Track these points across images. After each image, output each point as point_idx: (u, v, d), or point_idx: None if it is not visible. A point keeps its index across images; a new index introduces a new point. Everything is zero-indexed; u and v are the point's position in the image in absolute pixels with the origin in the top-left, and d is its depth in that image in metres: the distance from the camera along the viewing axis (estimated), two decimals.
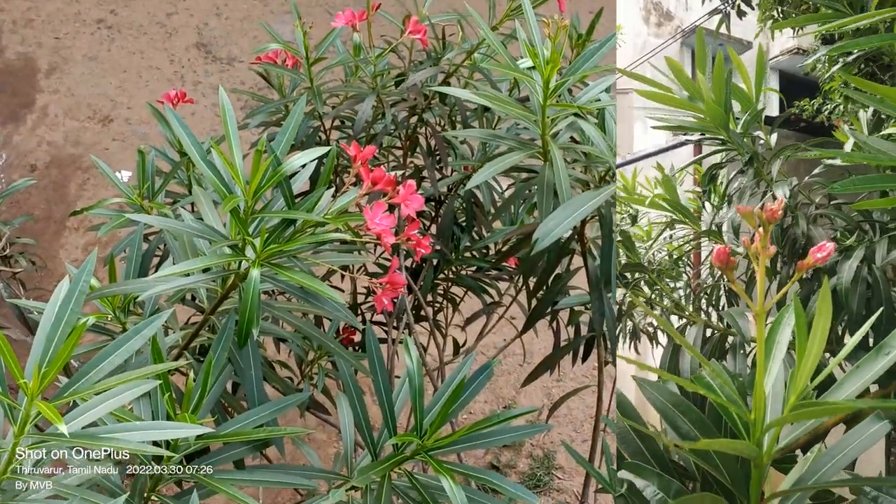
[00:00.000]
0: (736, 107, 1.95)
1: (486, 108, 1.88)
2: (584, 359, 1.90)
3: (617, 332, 1.57)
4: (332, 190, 1.30)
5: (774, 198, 1.82)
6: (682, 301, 2.08)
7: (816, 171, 1.93)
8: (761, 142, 1.98)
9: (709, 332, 1.89)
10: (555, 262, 1.47)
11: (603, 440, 1.44)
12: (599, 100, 1.37)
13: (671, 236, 2.39)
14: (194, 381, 1.15)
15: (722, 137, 1.88)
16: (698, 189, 2.29)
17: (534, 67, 1.28)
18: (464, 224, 2.08)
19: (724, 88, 1.76)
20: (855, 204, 1.77)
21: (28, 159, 3.99)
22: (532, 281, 1.61)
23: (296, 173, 1.29)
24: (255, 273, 1.17)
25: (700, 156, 2.06)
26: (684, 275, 2.41)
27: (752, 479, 0.94)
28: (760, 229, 0.91)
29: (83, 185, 3.92)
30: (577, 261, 1.63)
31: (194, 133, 1.27)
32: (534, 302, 1.67)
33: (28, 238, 2.54)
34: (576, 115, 1.32)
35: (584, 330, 1.95)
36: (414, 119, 1.92)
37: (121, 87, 4.33)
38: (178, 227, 1.24)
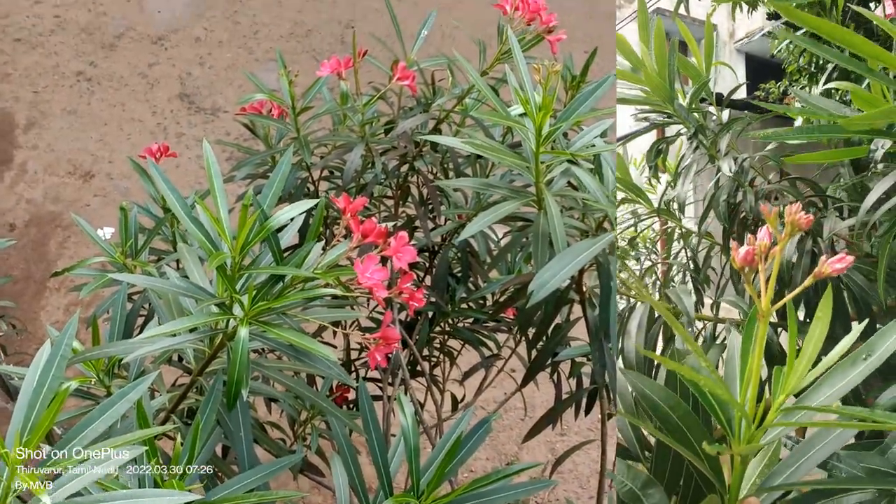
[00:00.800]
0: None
1: (479, 155, 1.90)
2: (587, 411, 1.90)
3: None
4: (322, 243, 1.31)
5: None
6: (629, 281, 2.13)
7: (769, 147, 2.03)
8: (714, 118, 2.10)
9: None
10: (553, 313, 1.49)
11: (609, 496, 1.44)
12: (594, 145, 1.39)
13: (635, 220, 2.49)
14: (182, 445, 1.16)
15: (668, 111, 2.00)
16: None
17: (525, 114, 1.30)
18: (459, 275, 2.09)
19: (665, 60, 1.86)
20: (787, 158, 1.91)
21: (6, 218, 4.01)
22: (531, 332, 1.62)
23: (285, 226, 1.30)
24: (243, 332, 1.18)
25: (643, 128, 2.18)
26: (642, 257, 2.62)
27: (734, 473, 1.00)
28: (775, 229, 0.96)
29: (63, 243, 3.93)
30: (578, 310, 1.65)
31: (178, 186, 1.29)
32: (534, 354, 1.68)
33: (7, 300, 2.55)
34: (570, 161, 1.34)
35: (586, 381, 1.96)
36: (405, 167, 1.94)
37: (102, 142, 4.36)
38: (163, 286, 1.25)
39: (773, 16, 2.51)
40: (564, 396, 1.94)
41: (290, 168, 1.31)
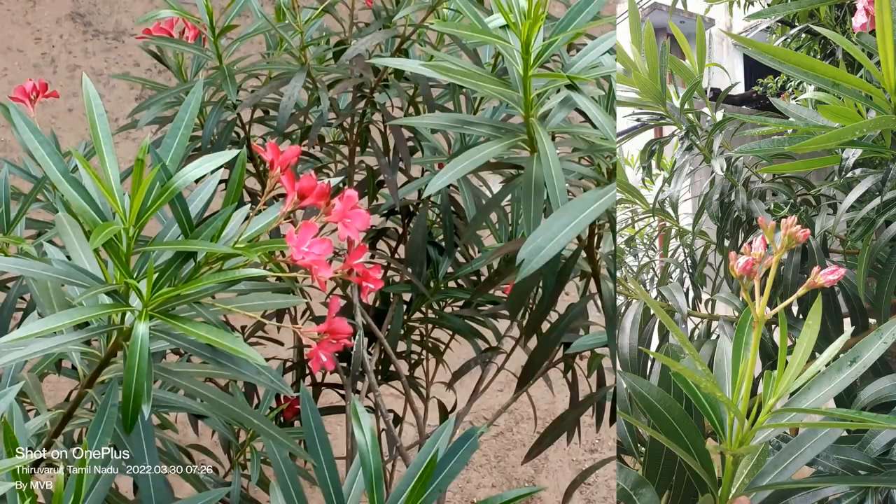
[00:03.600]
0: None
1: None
2: (614, 418, 1.90)
3: None
4: (247, 209, 1.31)
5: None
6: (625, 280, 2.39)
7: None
8: (708, 118, 2.53)
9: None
10: (555, 289, 1.47)
11: None
12: (602, 65, 1.38)
13: (633, 219, 2.94)
14: (65, 481, 1.16)
15: (660, 112, 2.42)
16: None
17: (507, 26, 1.29)
18: (443, 243, 2.08)
19: (656, 61, 2.25)
20: (763, 168, 2.41)
21: None
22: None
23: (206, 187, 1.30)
24: (141, 328, 1.18)
25: (633, 128, 2.61)
26: (640, 254, 3.06)
27: (726, 473, 1.24)
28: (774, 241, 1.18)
29: None
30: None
31: (72, 137, 1.29)
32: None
33: None
34: (570, 87, 1.33)
35: (611, 379, 1.96)
36: (362, 103, 1.93)
37: None
38: (36, 272, 1.25)
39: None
40: (583, 398, 1.94)
41: (199, 107, 1.31)
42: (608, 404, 1.90)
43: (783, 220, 1.18)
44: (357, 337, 1.90)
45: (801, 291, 1.19)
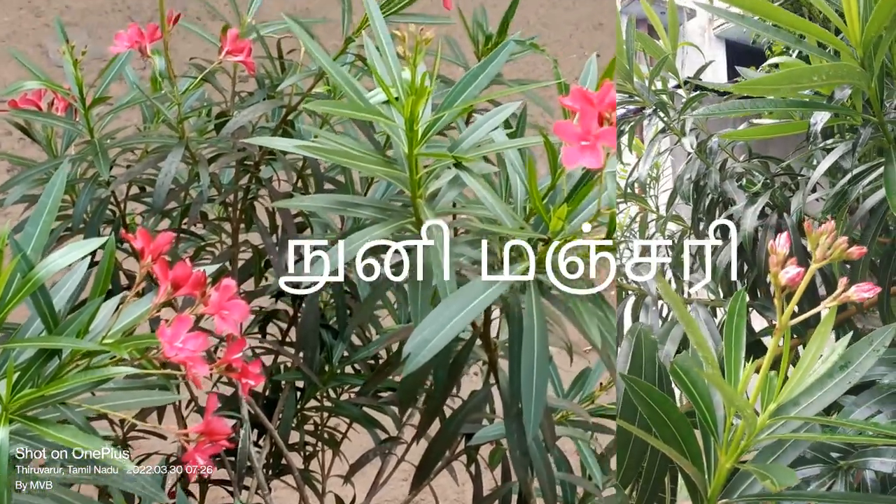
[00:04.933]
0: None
1: None
2: None
3: None
4: (119, 298, 1.30)
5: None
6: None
7: (741, 127, 2.59)
8: (683, 100, 2.69)
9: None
10: (447, 382, 1.47)
11: None
12: (493, 141, 1.37)
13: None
14: None
15: (628, 90, 2.62)
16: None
17: (388, 102, 1.29)
18: (337, 326, 2.08)
19: (622, 36, 2.45)
20: (723, 134, 2.58)
21: None
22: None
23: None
24: (0, 433, 1.17)
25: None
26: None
27: (718, 478, 1.27)
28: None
29: None
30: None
31: None
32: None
33: None
34: (458, 165, 1.32)
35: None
36: (247, 179, 1.93)
37: None
38: None
39: None
40: (488, 493, 1.94)
41: (63, 189, 1.30)
42: (515, 498, 1.90)
43: (824, 225, 1.15)
44: (243, 431, 1.89)
45: (829, 302, 1.17)
